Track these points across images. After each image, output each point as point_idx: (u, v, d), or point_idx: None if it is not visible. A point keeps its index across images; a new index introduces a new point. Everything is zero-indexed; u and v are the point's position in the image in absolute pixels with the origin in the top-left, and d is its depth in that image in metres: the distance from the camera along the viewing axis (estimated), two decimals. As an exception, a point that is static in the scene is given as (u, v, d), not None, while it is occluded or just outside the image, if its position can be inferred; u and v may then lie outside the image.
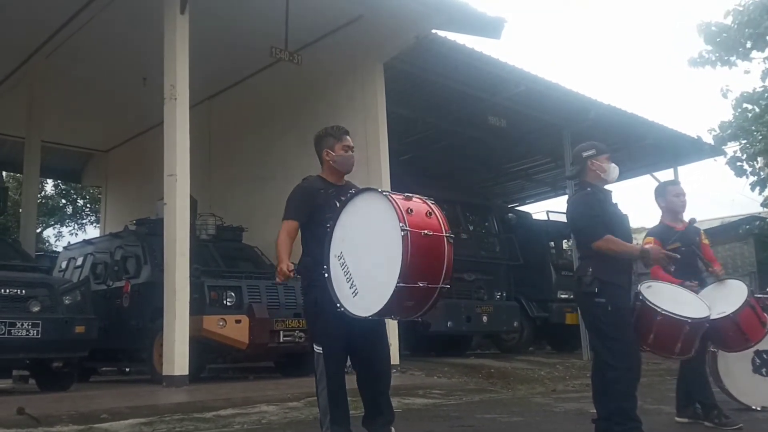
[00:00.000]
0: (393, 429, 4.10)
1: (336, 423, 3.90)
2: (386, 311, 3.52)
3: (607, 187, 4.47)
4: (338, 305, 3.69)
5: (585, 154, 4.47)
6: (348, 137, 4.26)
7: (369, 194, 3.78)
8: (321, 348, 3.94)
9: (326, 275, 3.76)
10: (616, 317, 4.12)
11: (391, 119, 10.12)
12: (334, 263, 3.79)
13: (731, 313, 4.91)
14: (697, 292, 4.96)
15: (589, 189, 4.39)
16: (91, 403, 6.22)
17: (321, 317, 3.94)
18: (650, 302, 4.31)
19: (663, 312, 4.27)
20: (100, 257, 10.17)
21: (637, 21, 67.54)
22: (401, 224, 3.42)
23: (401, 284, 3.36)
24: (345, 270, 3.72)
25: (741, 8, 14.30)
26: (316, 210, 4.08)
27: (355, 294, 3.65)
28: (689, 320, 4.28)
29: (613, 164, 4.40)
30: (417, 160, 14.61)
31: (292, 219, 4.09)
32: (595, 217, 4.22)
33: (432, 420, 5.88)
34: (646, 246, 4.24)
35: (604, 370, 4.18)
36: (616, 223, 4.27)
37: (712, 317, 4.59)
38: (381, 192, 3.68)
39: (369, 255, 3.65)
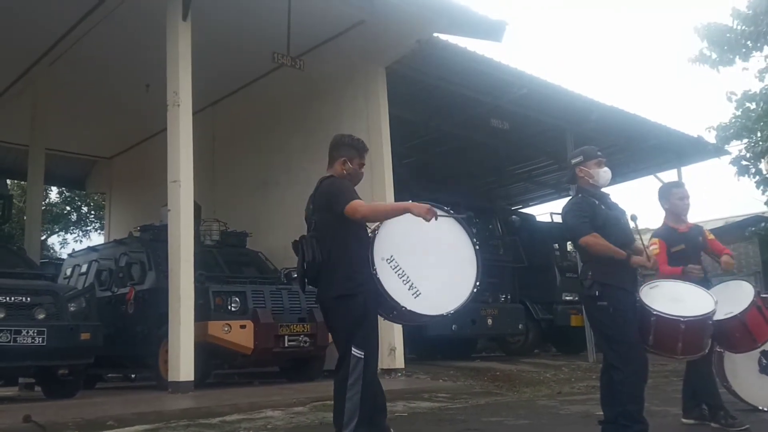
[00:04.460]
0: None
1: (361, 427, 3.91)
2: (461, 309, 4.00)
3: (604, 189, 4.49)
4: (402, 305, 3.88)
5: (573, 161, 4.53)
6: (366, 156, 4.35)
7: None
8: (363, 353, 3.89)
9: (376, 276, 3.87)
10: (618, 319, 4.13)
11: (393, 123, 10.13)
12: (382, 266, 3.91)
13: (738, 314, 4.90)
14: (702, 276, 5.03)
15: (579, 195, 4.42)
16: (97, 409, 6.23)
17: (367, 322, 3.95)
18: (644, 304, 4.30)
19: (655, 313, 4.26)
20: (104, 264, 10.19)
21: (638, 22, 67.63)
22: (474, 240, 4.14)
23: (476, 288, 4.02)
24: (399, 272, 3.95)
25: (749, 11, 14.18)
26: None
27: (417, 295, 3.94)
28: (683, 319, 4.26)
29: (603, 169, 4.40)
30: (420, 163, 14.62)
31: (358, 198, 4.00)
32: (583, 217, 4.27)
33: (438, 423, 5.88)
34: (637, 258, 4.22)
35: (611, 372, 4.18)
36: (612, 225, 4.27)
37: (718, 318, 4.58)
38: (445, 209, 4.07)
39: (430, 259, 4.05)
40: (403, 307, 3.86)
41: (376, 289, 3.87)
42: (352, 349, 3.91)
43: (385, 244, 3.95)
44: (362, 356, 3.89)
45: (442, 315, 4.03)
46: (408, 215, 3.90)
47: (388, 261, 3.91)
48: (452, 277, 4.04)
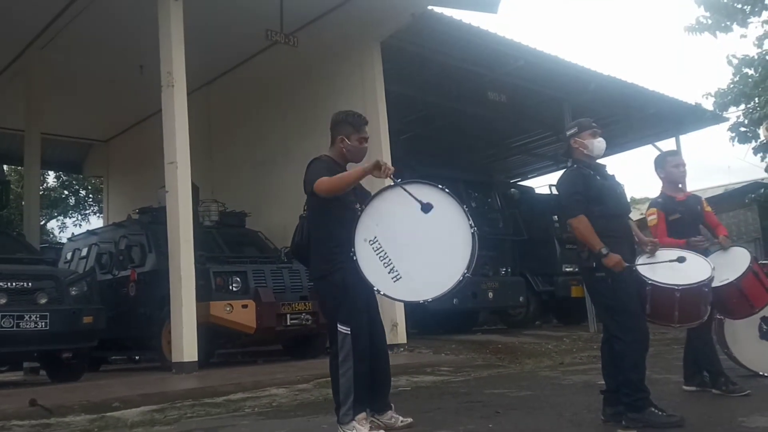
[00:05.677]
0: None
1: (359, 403, 3.94)
2: (442, 296, 3.79)
3: (600, 160, 4.46)
4: (376, 288, 3.82)
5: (568, 132, 4.52)
6: (366, 128, 4.23)
7: (425, 187, 3.92)
8: (349, 328, 3.92)
9: (354, 258, 3.82)
10: (617, 290, 4.13)
11: (389, 98, 10.06)
12: (363, 247, 3.86)
13: (734, 280, 4.91)
14: (703, 247, 5.05)
15: (575, 166, 4.39)
16: (102, 392, 6.27)
17: (348, 298, 3.95)
18: (640, 273, 4.30)
19: (651, 282, 4.26)
20: (104, 247, 10.19)
21: (635, -10, 67.03)
22: (470, 222, 3.78)
23: (467, 275, 3.73)
24: (381, 255, 3.85)
25: None
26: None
27: (397, 279, 3.82)
28: (677, 288, 4.25)
29: (597, 140, 4.36)
30: (418, 138, 14.55)
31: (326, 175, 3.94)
32: (575, 194, 4.23)
33: (441, 397, 5.91)
34: (613, 256, 4.06)
35: (612, 342, 4.19)
36: (607, 196, 4.25)
37: (715, 285, 4.58)
38: (440, 188, 3.87)
39: (417, 243, 3.84)
40: (377, 290, 3.86)
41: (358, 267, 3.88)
42: (338, 325, 3.95)
43: (370, 224, 3.89)
44: (348, 332, 3.92)
45: (418, 302, 3.94)
46: (395, 196, 3.86)
47: (371, 242, 3.85)
48: (440, 263, 3.83)
